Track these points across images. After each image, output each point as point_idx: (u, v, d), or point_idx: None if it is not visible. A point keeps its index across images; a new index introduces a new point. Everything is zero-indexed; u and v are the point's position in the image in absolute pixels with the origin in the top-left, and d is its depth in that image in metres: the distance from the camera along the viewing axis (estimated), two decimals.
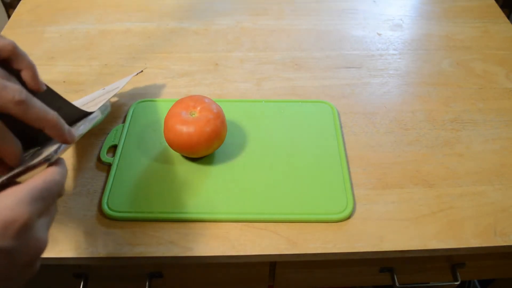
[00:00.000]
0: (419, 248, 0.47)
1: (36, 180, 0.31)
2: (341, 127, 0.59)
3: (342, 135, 0.58)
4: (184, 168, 0.53)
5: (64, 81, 0.64)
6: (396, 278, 0.56)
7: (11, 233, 0.28)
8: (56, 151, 0.34)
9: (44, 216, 0.31)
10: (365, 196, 0.51)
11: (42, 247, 0.30)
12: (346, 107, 0.62)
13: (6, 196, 0.29)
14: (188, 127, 0.49)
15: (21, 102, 0.31)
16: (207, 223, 0.48)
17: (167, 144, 0.52)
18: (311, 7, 0.81)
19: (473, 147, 0.57)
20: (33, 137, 0.37)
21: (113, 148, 0.55)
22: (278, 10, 0.80)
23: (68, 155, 0.54)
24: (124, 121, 0.58)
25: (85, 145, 0.56)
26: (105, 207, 0.48)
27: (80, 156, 0.54)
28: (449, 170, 0.54)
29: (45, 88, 0.37)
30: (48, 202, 0.31)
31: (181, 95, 0.61)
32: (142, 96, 0.62)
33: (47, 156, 0.33)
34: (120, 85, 0.51)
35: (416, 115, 0.61)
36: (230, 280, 0.59)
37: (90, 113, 0.48)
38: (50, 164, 0.33)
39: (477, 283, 0.96)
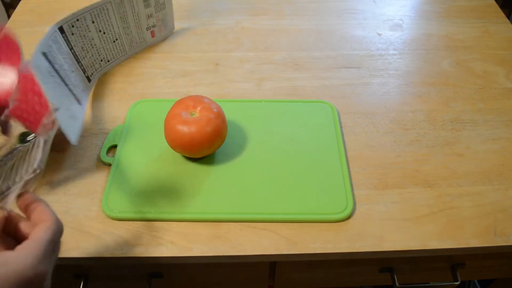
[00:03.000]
0: (419, 248, 0.47)
1: (44, 233, 0.33)
2: (341, 127, 0.59)
3: (342, 135, 0.58)
4: (184, 168, 0.53)
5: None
6: (396, 278, 0.56)
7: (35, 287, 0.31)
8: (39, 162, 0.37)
9: (51, 267, 0.34)
10: (365, 196, 0.51)
11: None
12: (346, 107, 0.62)
13: (25, 256, 0.31)
14: (189, 128, 0.49)
15: None
16: (207, 223, 0.48)
17: (167, 144, 0.52)
18: (311, 7, 0.81)
19: (473, 147, 0.57)
20: None
21: (113, 148, 0.55)
22: (278, 10, 0.80)
23: (68, 155, 0.54)
24: (124, 121, 0.58)
25: (85, 145, 0.56)
26: (105, 207, 0.49)
27: (80, 156, 0.54)
28: (449, 170, 0.54)
29: None
30: (57, 251, 0.34)
31: (181, 95, 0.61)
32: (142, 96, 0.62)
33: (35, 169, 0.36)
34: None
35: (416, 115, 0.61)
36: (230, 280, 0.59)
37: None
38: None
39: (477, 283, 0.97)
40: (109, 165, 0.53)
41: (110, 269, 0.55)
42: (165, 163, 0.53)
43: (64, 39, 0.58)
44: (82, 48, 0.61)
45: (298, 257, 0.47)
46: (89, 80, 0.63)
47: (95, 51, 0.63)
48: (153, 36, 0.70)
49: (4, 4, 1.18)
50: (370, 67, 0.69)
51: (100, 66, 0.65)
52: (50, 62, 0.54)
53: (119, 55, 0.67)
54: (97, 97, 0.62)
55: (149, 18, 0.67)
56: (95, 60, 0.64)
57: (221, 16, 0.78)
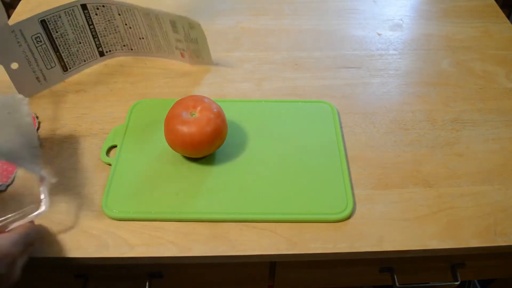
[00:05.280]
0: (419, 248, 0.47)
1: (21, 228, 0.42)
2: (341, 127, 0.59)
3: (342, 135, 0.58)
4: (184, 168, 0.53)
5: (64, 81, 0.64)
6: (396, 278, 0.56)
7: (4, 263, 0.38)
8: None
9: (23, 257, 0.41)
10: (365, 196, 0.51)
11: (16, 279, 0.40)
12: (346, 107, 0.62)
13: (2, 238, 0.40)
14: (189, 128, 0.49)
15: None
16: (207, 223, 0.48)
17: (167, 144, 0.52)
18: (311, 7, 0.81)
19: (473, 147, 0.57)
20: None
21: (113, 148, 0.55)
22: (278, 10, 0.80)
23: (68, 155, 0.54)
24: (124, 121, 0.58)
25: (85, 145, 0.56)
26: (105, 207, 0.49)
27: (80, 156, 0.54)
28: (449, 170, 0.54)
29: None
30: (27, 246, 0.42)
31: (181, 95, 0.61)
32: (142, 96, 0.62)
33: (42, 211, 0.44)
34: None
35: (416, 115, 0.61)
36: (230, 280, 0.59)
37: None
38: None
39: (477, 283, 0.97)
40: (109, 165, 0.53)
41: (110, 269, 0.55)
42: (165, 163, 0.53)
43: (85, 15, 0.58)
44: (104, 28, 0.61)
45: (298, 257, 0.47)
46: (102, 55, 0.64)
47: (119, 36, 0.63)
48: (183, 56, 0.66)
49: (4, 4, 1.18)
50: (370, 67, 0.69)
51: (122, 50, 0.65)
52: (46, 29, 0.57)
53: (144, 50, 0.66)
54: (97, 97, 0.62)
55: (178, 41, 0.63)
56: (116, 43, 0.64)
57: (221, 16, 0.78)
